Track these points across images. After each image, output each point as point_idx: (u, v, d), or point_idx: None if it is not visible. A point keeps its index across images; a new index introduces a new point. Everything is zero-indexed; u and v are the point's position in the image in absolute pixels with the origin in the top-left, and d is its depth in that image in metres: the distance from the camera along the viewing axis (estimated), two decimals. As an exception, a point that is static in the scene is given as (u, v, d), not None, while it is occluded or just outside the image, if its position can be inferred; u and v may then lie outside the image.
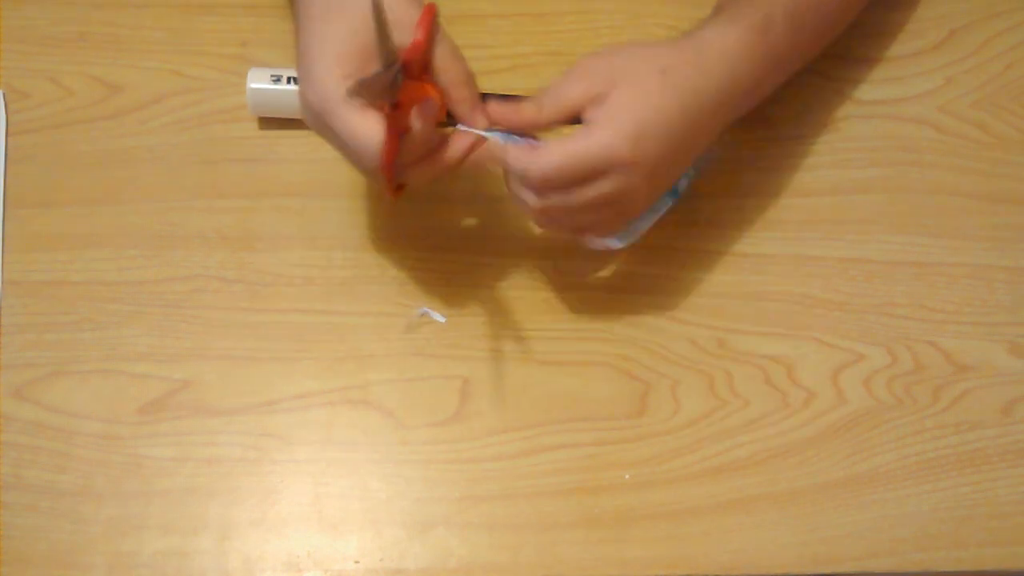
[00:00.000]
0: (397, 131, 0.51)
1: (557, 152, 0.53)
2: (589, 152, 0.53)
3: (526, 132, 0.55)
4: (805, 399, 0.60)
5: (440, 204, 0.65)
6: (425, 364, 0.61)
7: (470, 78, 0.56)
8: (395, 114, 0.51)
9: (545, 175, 0.53)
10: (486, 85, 0.69)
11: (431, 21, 0.53)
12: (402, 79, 0.51)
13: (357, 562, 0.56)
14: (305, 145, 0.67)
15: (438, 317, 0.61)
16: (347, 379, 0.60)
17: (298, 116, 0.66)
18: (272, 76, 0.65)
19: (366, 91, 0.50)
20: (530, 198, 0.55)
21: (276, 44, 0.70)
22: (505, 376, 0.60)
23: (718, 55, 0.57)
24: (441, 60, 0.54)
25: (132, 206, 0.65)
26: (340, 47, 0.53)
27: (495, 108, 0.56)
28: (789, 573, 0.56)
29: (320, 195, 0.65)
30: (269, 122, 0.67)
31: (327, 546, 0.56)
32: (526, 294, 0.63)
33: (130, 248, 0.63)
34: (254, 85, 0.65)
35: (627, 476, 0.58)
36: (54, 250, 0.63)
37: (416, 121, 0.52)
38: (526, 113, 0.55)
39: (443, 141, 0.55)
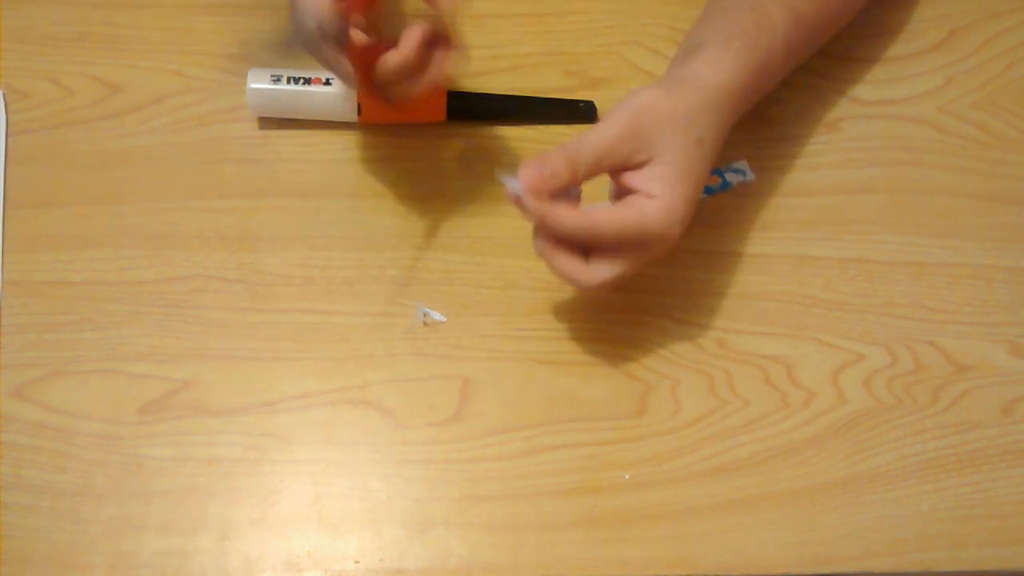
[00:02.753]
0: (364, 66, 0.55)
1: (610, 221, 0.54)
2: (643, 226, 0.54)
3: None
4: (805, 399, 0.60)
5: (440, 204, 0.65)
6: (425, 364, 0.61)
7: None
8: (357, 53, 0.54)
9: (595, 240, 0.55)
10: (486, 85, 0.69)
11: None
12: (344, 36, 0.53)
13: (357, 562, 0.56)
14: (305, 145, 0.67)
15: (438, 317, 0.61)
16: (347, 379, 0.60)
17: (298, 116, 0.67)
18: (272, 76, 0.65)
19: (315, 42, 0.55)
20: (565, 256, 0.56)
21: (276, 44, 0.70)
22: (505, 376, 0.60)
23: (728, 104, 0.58)
24: None
25: (132, 206, 0.65)
26: None
27: (528, 174, 0.54)
28: (789, 573, 0.56)
29: (320, 195, 0.65)
30: (269, 122, 0.67)
31: (327, 546, 0.56)
32: (526, 294, 0.63)
33: (130, 248, 0.63)
34: (254, 85, 0.65)
35: (627, 476, 0.58)
36: (54, 250, 0.63)
37: (382, 68, 0.55)
38: (562, 177, 0.54)
39: (421, 65, 0.56)
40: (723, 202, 0.65)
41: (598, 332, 0.62)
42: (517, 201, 0.55)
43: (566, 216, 0.54)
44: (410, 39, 0.55)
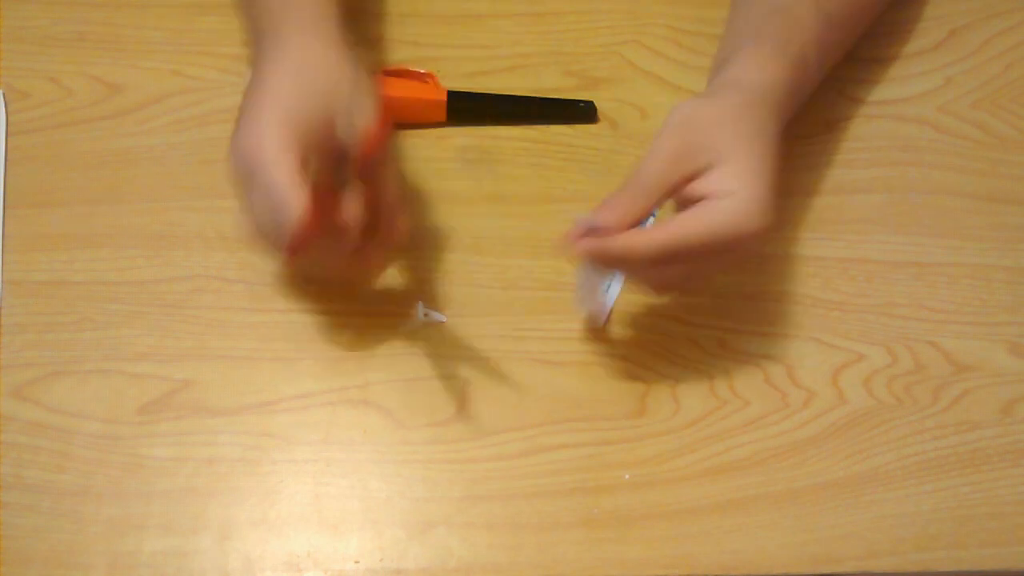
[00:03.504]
0: (319, 214, 0.51)
1: (698, 227, 0.53)
2: (733, 224, 0.52)
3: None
4: (805, 399, 0.60)
5: (440, 204, 0.65)
6: (425, 364, 0.61)
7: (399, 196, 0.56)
8: (323, 199, 0.52)
9: (684, 253, 0.53)
10: (486, 85, 0.69)
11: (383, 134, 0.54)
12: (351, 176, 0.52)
13: (357, 562, 0.56)
14: (305, 145, 0.67)
15: (439, 317, 0.61)
16: (347, 379, 0.60)
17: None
18: (272, 76, 0.65)
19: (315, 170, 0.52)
20: (665, 272, 0.55)
21: (276, 44, 0.70)
22: (505, 376, 0.60)
23: (773, 99, 0.57)
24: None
25: (132, 206, 0.65)
26: (297, 111, 0.53)
27: (605, 216, 0.53)
28: (789, 573, 0.56)
29: (320, 195, 0.65)
30: (269, 122, 0.67)
31: (327, 546, 0.56)
32: (526, 294, 0.63)
33: (130, 248, 0.63)
34: (254, 85, 0.65)
35: (627, 476, 0.58)
36: (54, 250, 0.63)
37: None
38: (636, 211, 0.53)
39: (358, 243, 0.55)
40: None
41: (598, 332, 0.62)
42: (591, 245, 0.53)
43: (654, 236, 0.52)
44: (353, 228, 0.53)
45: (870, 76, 0.70)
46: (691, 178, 0.54)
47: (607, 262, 0.55)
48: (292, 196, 0.51)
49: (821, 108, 0.69)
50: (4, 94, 0.67)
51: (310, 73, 0.54)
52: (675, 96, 0.64)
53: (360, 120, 0.54)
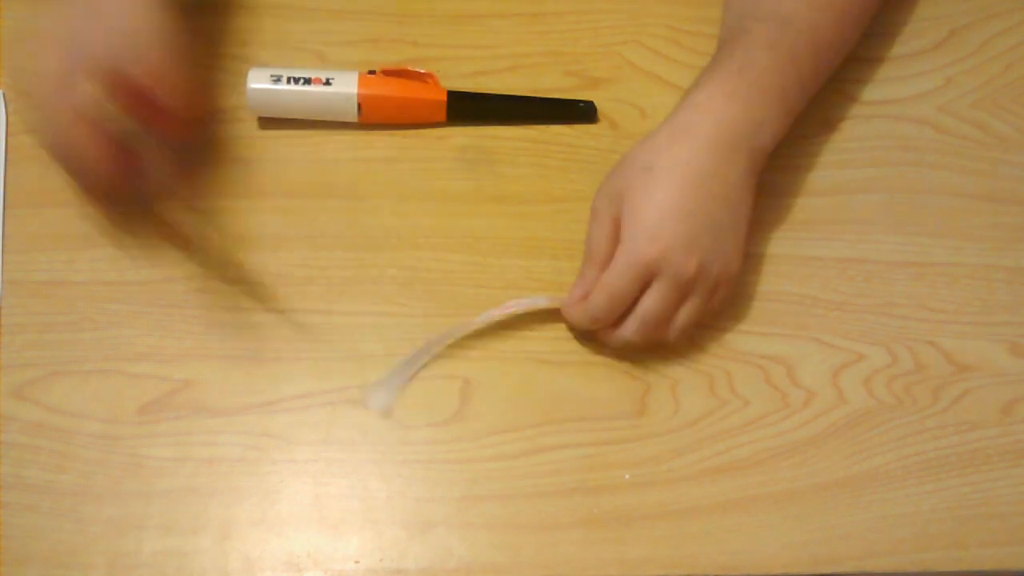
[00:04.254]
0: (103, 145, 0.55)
1: (600, 286, 0.57)
2: (622, 271, 0.57)
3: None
4: (805, 399, 0.60)
5: (440, 204, 0.65)
6: (425, 364, 0.61)
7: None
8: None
9: (598, 310, 0.58)
10: (486, 85, 0.69)
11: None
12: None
13: (357, 562, 0.56)
14: (305, 145, 0.67)
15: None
16: (347, 379, 0.60)
17: (298, 116, 0.67)
18: (272, 76, 0.65)
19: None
20: (623, 332, 0.59)
21: (276, 44, 0.70)
22: (505, 376, 0.60)
23: (700, 115, 0.58)
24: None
25: (132, 206, 0.65)
26: (83, 44, 0.56)
27: (576, 313, 0.59)
28: (789, 573, 0.56)
29: (320, 195, 0.65)
30: (269, 122, 0.67)
31: (327, 546, 0.56)
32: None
33: (130, 248, 0.63)
34: (254, 85, 0.65)
35: (627, 476, 0.58)
36: (54, 250, 0.63)
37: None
38: (591, 282, 0.58)
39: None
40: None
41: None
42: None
43: (569, 312, 0.59)
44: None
45: (870, 76, 0.70)
46: (617, 225, 0.58)
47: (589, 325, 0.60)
48: (75, 136, 0.55)
49: (821, 108, 0.69)
50: (4, 94, 0.67)
51: (102, 10, 0.57)
52: (675, 96, 0.64)
53: (147, 63, 0.56)
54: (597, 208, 0.59)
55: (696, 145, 0.57)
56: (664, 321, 0.58)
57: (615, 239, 0.57)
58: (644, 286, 0.57)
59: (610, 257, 0.57)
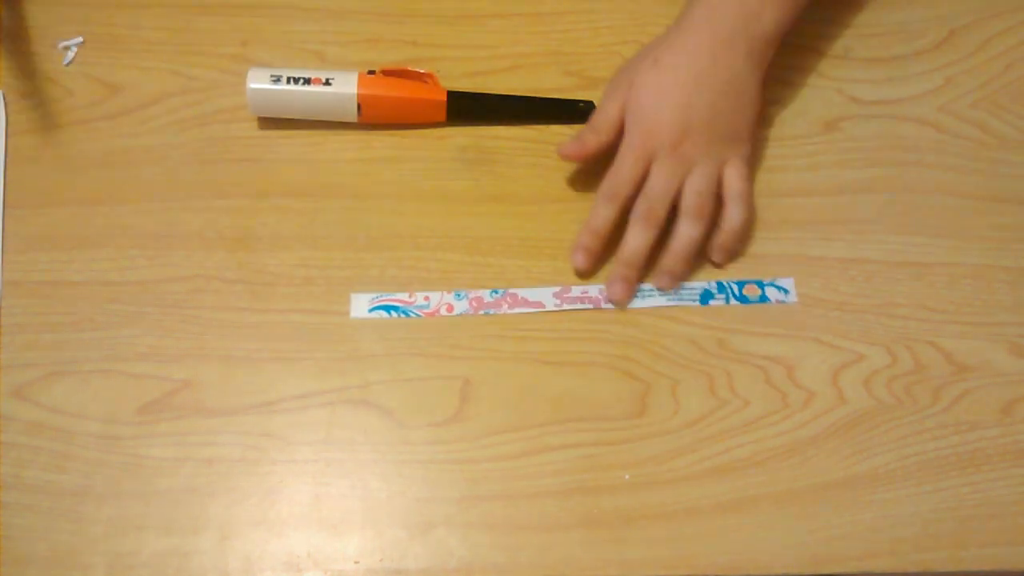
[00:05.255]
0: None
1: (607, 176, 0.63)
2: (623, 156, 0.62)
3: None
4: (805, 399, 0.60)
5: (440, 204, 0.65)
6: (425, 364, 0.61)
7: None
8: None
9: (609, 190, 0.62)
10: (486, 85, 0.69)
11: None
12: None
13: (357, 562, 0.56)
14: (305, 145, 0.67)
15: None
16: (347, 379, 0.60)
17: (298, 116, 0.67)
18: (272, 76, 0.65)
19: None
20: (634, 224, 0.62)
21: (276, 44, 0.70)
22: (505, 376, 0.60)
23: (700, 10, 0.63)
24: None
25: (132, 206, 0.65)
26: None
27: (568, 149, 0.64)
28: (789, 573, 0.56)
29: (320, 195, 0.65)
30: (269, 122, 0.67)
31: (327, 546, 0.56)
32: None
33: (130, 248, 0.63)
34: (254, 85, 0.65)
35: (627, 476, 0.58)
36: (54, 250, 0.63)
37: None
38: (591, 144, 0.64)
39: None
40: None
41: (598, 332, 0.62)
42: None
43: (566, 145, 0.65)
44: None
45: (870, 76, 0.70)
46: (625, 110, 0.64)
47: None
48: None
49: (821, 108, 0.69)
50: (4, 94, 0.67)
51: None
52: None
53: None
54: (609, 92, 0.65)
55: (698, 40, 0.62)
56: (667, 195, 0.61)
57: (620, 119, 0.63)
58: (644, 172, 0.62)
59: (611, 130, 0.63)
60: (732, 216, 0.62)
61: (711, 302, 0.63)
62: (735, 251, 0.64)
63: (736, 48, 0.62)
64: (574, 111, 0.68)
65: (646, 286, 0.63)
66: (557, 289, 0.62)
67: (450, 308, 0.61)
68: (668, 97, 0.62)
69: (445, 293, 0.62)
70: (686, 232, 0.62)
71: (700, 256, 0.64)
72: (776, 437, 0.59)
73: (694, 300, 0.63)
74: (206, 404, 0.59)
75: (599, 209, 0.62)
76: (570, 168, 0.67)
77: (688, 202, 0.62)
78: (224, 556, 0.56)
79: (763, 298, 0.63)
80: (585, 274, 0.63)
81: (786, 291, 0.63)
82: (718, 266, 0.63)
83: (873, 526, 0.57)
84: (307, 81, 0.65)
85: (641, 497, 0.58)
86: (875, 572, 0.56)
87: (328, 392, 0.60)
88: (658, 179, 0.61)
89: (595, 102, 0.68)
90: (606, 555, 0.56)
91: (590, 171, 0.66)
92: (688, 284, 0.63)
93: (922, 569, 0.56)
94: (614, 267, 0.62)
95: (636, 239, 0.62)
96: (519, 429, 0.59)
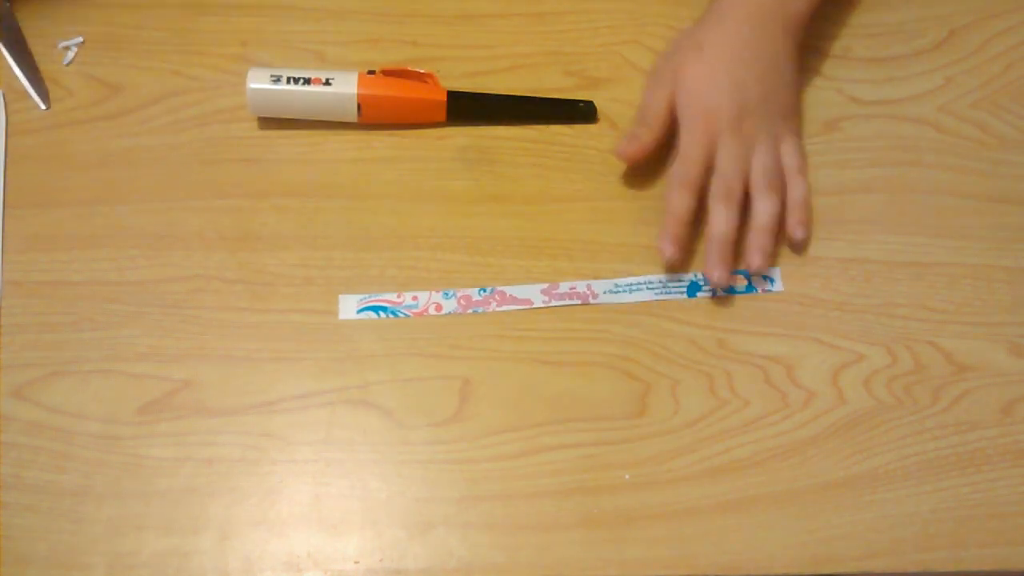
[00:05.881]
0: None
1: (675, 164, 0.63)
2: (688, 143, 0.63)
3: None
4: (805, 399, 0.60)
5: (440, 204, 0.65)
6: (425, 364, 0.61)
7: None
8: None
9: (681, 176, 0.63)
10: (486, 85, 0.69)
11: None
12: None
13: (357, 562, 0.56)
14: (305, 145, 0.67)
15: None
16: (347, 379, 0.60)
17: (298, 116, 0.67)
18: (272, 76, 0.65)
19: None
20: (715, 204, 0.63)
21: (276, 44, 0.70)
22: (505, 376, 0.60)
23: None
24: None
25: (132, 206, 0.65)
26: None
27: (627, 149, 0.64)
28: (789, 573, 0.56)
29: (320, 195, 0.65)
30: (269, 122, 0.67)
31: (327, 546, 0.56)
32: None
33: (130, 248, 0.63)
34: (254, 85, 0.65)
35: (627, 476, 0.58)
36: (54, 250, 0.63)
37: None
38: (647, 139, 0.64)
39: None
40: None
41: (598, 332, 0.62)
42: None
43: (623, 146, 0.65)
44: None
45: (870, 76, 0.70)
46: (672, 97, 0.64)
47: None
48: None
49: (821, 108, 0.69)
50: (4, 94, 0.68)
51: None
52: (675, 96, 0.65)
53: None
54: (651, 85, 0.66)
55: (737, 23, 0.65)
56: (741, 174, 0.63)
57: (670, 108, 0.64)
58: (710, 156, 0.63)
59: (663, 122, 0.64)
60: (797, 190, 0.64)
61: (699, 294, 0.63)
62: (809, 223, 0.64)
63: (774, 28, 0.65)
64: (574, 111, 0.68)
65: (633, 281, 0.63)
66: (545, 286, 0.62)
67: (439, 307, 0.61)
68: (719, 80, 0.63)
69: (433, 292, 0.62)
70: (765, 208, 0.63)
71: (700, 249, 0.64)
72: (776, 437, 0.59)
73: (682, 293, 0.63)
74: (206, 404, 0.59)
75: (676, 198, 0.62)
76: (570, 168, 0.67)
77: (759, 179, 0.63)
78: (224, 556, 0.56)
79: (749, 287, 0.63)
80: (675, 264, 0.63)
81: (772, 280, 0.63)
82: (800, 241, 0.64)
83: (873, 526, 0.57)
84: (307, 81, 0.65)
85: (641, 497, 0.58)
86: (875, 572, 0.56)
87: (328, 392, 0.60)
88: (728, 159, 0.62)
89: (595, 102, 0.68)
90: (606, 555, 0.56)
91: (590, 171, 0.66)
92: (675, 277, 0.63)
93: (922, 569, 0.56)
94: (709, 251, 0.62)
95: (722, 218, 0.62)
96: (519, 429, 0.59)
